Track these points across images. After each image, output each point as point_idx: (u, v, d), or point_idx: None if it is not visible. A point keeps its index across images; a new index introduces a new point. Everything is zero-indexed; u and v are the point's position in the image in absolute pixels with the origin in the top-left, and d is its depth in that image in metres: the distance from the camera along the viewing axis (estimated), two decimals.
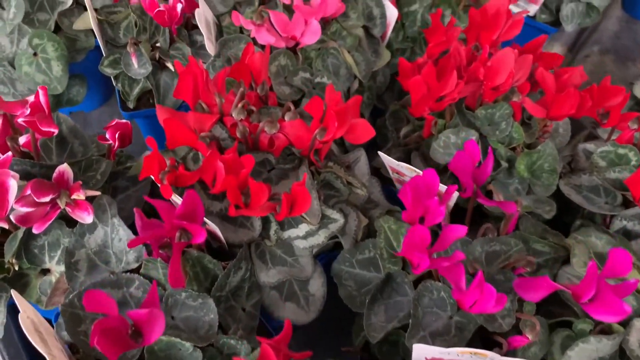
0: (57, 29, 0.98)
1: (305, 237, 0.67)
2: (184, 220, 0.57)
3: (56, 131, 0.63)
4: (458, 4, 1.00)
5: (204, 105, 0.71)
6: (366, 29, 0.97)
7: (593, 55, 1.55)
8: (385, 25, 0.98)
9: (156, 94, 0.93)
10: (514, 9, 1.23)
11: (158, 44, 0.93)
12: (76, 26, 0.97)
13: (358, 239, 0.71)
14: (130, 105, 0.94)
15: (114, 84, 0.94)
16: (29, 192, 0.57)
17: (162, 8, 0.84)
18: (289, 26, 0.82)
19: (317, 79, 0.88)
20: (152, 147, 0.62)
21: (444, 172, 0.81)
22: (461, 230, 0.56)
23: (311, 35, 0.83)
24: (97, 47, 0.95)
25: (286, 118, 0.71)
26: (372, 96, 0.97)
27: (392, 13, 0.95)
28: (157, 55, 0.93)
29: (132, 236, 0.63)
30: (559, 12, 1.22)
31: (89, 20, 0.93)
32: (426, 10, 0.96)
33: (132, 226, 0.62)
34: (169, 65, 0.92)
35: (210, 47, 0.88)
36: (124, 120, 0.71)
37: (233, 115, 0.70)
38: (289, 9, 0.88)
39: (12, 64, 0.97)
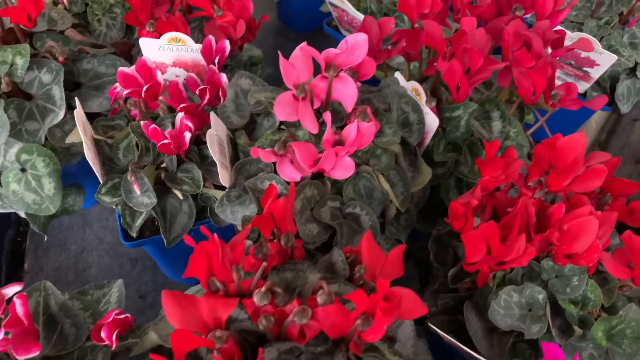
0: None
1: None
2: None
3: (38, 351, 0.51)
4: (508, 106, 0.87)
5: (218, 283, 0.59)
6: (402, 138, 0.84)
7: None
8: (422, 132, 0.85)
9: (162, 221, 0.81)
10: (564, 77, 1.09)
11: (164, 165, 0.81)
12: (69, 140, 0.85)
13: None
14: (133, 234, 0.82)
15: (115, 208, 0.82)
16: None
17: (167, 140, 0.72)
18: (317, 161, 0.70)
19: (349, 209, 0.76)
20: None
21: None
22: None
23: (344, 171, 0.70)
24: None
25: (319, 300, 0.58)
26: (411, 218, 0.84)
27: (432, 121, 0.82)
28: (162, 175, 0.81)
29: None
30: (613, 90, 1.08)
31: None
32: (471, 116, 0.83)
33: None
34: (177, 192, 0.79)
35: (225, 177, 0.76)
36: (123, 316, 0.58)
37: (255, 300, 0.57)
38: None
39: None
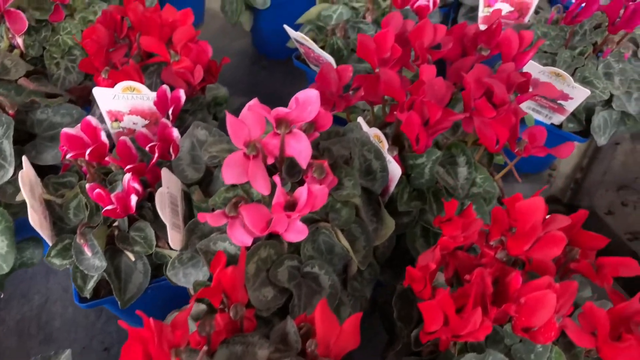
0: None
1: None
2: None
3: None
4: (475, 149, 0.84)
5: None
6: (365, 186, 0.81)
7: (624, 142, 1.38)
8: (386, 180, 0.82)
9: (115, 282, 0.77)
10: (535, 115, 1.06)
11: (116, 224, 0.78)
12: (20, 197, 0.81)
13: None
14: (87, 295, 0.79)
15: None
16: None
17: (112, 205, 0.69)
18: (269, 222, 0.67)
19: (307, 269, 0.73)
20: None
21: None
22: None
23: (297, 234, 0.67)
24: None
25: None
26: (375, 271, 0.81)
27: (395, 170, 0.79)
28: (115, 233, 0.77)
29: None
30: (589, 122, 1.05)
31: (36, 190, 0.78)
32: (435, 163, 0.80)
33: None
34: (129, 255, 0.76)
35: (176, 239, 0.73)
36: None
37: None
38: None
39: None
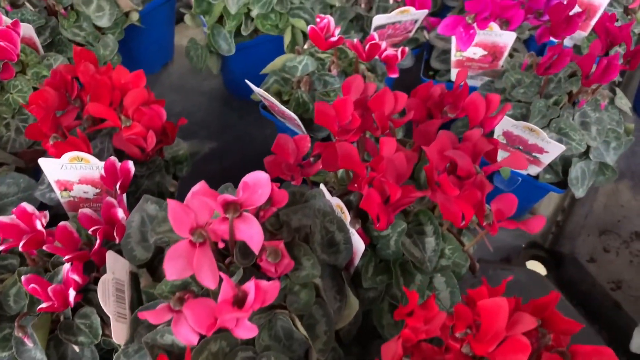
0: None
1: None
2: None
3: None
4: (442, 222, 0.79)
5: None
6: (328, 261, 0.76)
7: None
8: (350, 252, 0.77)
9: None
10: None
11: None
12: None
13: None
14: None
15: None
16: None
17: (50, 302, 0.64)
18: (217, 319, 0.62)
19: None
20: None
21: None
22: None
23: (246, 332, 0.62)
24: None
25: None
26: (338, 355, 0.76)
27: (359, 243, 0.75)
28: (60, 319, 0.72)
29: None
30: (566, 173, 1.01)
31: None
32: (400, 235, 0.75)
33: None
34: (75, 347, 0.71)
35: (120, 332, 0.67)
36: None
37: None
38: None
39: None
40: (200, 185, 0.64)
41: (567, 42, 1.28)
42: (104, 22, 1.16)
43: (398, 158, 0.69)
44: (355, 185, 0.75)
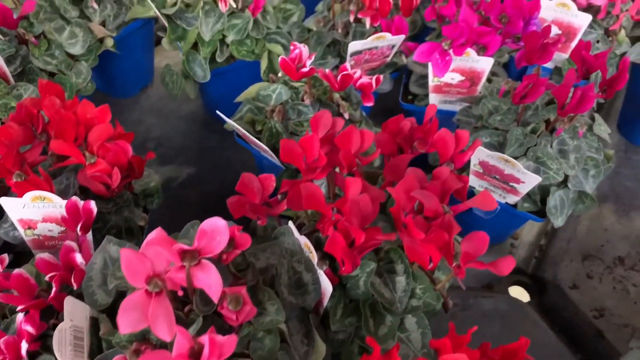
0: None
1: None
2: None
3: None
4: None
5: None
6: (295, 302, 0.74)
7: None
8: (319, 293, 0.75)
9: None
10: (491, 188, 1.01)
11: None
12: None
13: None
14: None
15: None
16: None
17: (2, 356, 0.61)
18: None
19: None
20: None
21: None
22: None
23: None
24: None
25: None
26: None
27: (326, 285, 0.73)
28: None
29: None
30: (544, 202, 0.99)
31: None
32: (369, 276, 0.73)
33: None
34: None
35: None
36: None
37: None
38: None
39: None
40: (157, 233, 0.62)
41: (549, 64, 1.27)
42: (77, 50, 1.15)
43: (363, 200, 0.67)
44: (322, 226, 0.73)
